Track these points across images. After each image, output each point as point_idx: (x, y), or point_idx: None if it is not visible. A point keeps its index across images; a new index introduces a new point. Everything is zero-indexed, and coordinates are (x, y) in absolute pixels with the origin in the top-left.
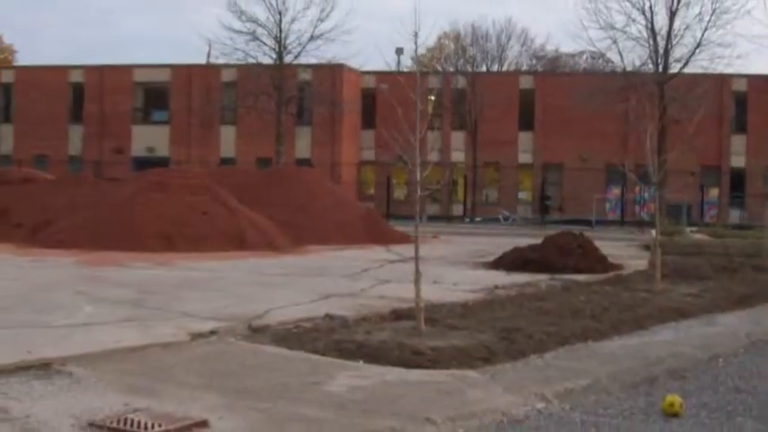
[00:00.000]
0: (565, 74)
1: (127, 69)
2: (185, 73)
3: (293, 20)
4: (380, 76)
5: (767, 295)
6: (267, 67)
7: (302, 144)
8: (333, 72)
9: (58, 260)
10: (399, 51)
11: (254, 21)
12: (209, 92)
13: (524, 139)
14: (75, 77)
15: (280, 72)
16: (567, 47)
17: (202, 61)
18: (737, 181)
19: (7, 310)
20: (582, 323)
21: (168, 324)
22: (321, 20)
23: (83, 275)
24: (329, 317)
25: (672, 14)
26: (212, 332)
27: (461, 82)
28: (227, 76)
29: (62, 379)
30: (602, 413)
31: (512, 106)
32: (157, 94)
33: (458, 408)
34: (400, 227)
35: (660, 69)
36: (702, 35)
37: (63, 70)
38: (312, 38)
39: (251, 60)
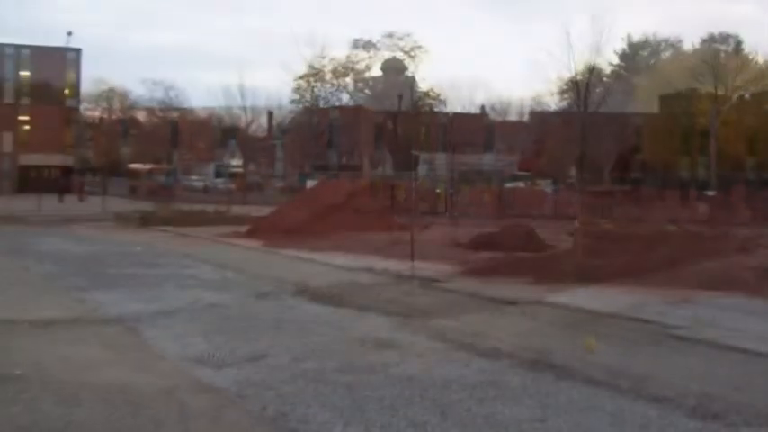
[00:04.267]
0: (515, 114)
1: None
2: None
3: None
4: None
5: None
6: None
7: None
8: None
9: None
10: (400, 98)
11: None
12: None
13: (487, 158)
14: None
15: None
16: (517, 94)
17: None
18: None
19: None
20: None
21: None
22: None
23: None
24: (351, 282)
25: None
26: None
27: (444, 119)
28: None
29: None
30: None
31: (478, 136)
32: None
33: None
34: (402, 219)
35: (582, 110)
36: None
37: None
38: None
39: None
